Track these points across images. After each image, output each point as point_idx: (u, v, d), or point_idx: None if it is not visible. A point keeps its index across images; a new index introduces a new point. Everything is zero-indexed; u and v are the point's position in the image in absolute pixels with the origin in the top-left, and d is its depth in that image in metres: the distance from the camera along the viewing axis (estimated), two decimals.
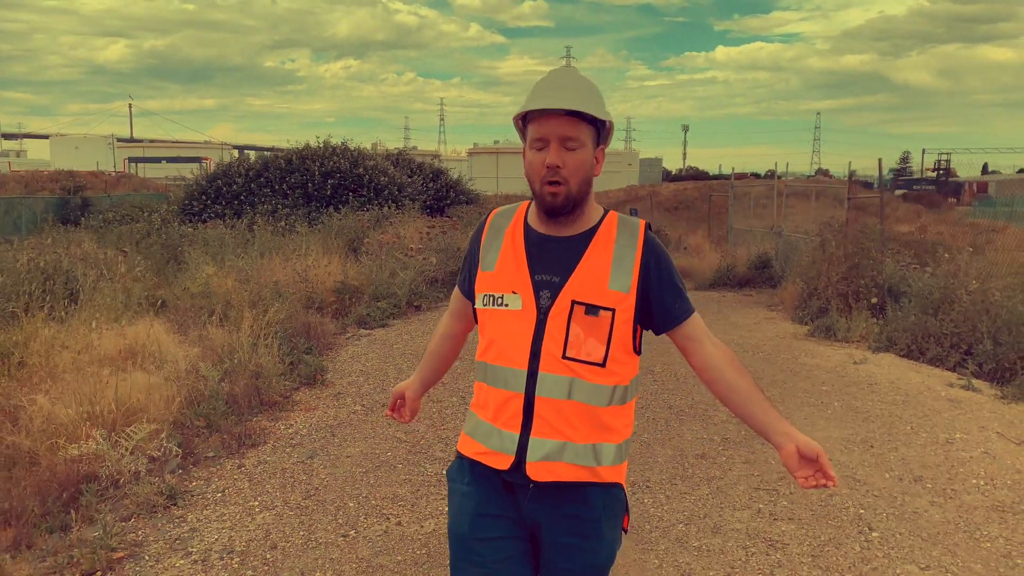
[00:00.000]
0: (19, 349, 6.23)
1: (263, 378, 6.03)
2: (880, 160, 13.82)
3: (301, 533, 3.79)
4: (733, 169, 24.72)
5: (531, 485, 1.76)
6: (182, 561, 3.53)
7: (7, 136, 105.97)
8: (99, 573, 3.44)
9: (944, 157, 72.15)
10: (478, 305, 1.86)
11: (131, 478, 4.51)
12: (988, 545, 3.70)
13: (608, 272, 1.76)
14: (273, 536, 3.76)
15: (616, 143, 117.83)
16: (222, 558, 3.55)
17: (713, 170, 76.65)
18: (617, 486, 1.85)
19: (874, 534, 3.81)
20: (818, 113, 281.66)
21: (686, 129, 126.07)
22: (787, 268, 13.09)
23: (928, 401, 6.17)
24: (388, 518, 3.97)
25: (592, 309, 1.74)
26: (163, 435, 4.90)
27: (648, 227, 1.85)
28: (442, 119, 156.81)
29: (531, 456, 1.73)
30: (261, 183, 19.03)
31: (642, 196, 40.78)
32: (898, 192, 53.97)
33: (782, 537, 3.78)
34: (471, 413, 1.91)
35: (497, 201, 26.98)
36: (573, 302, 1.74)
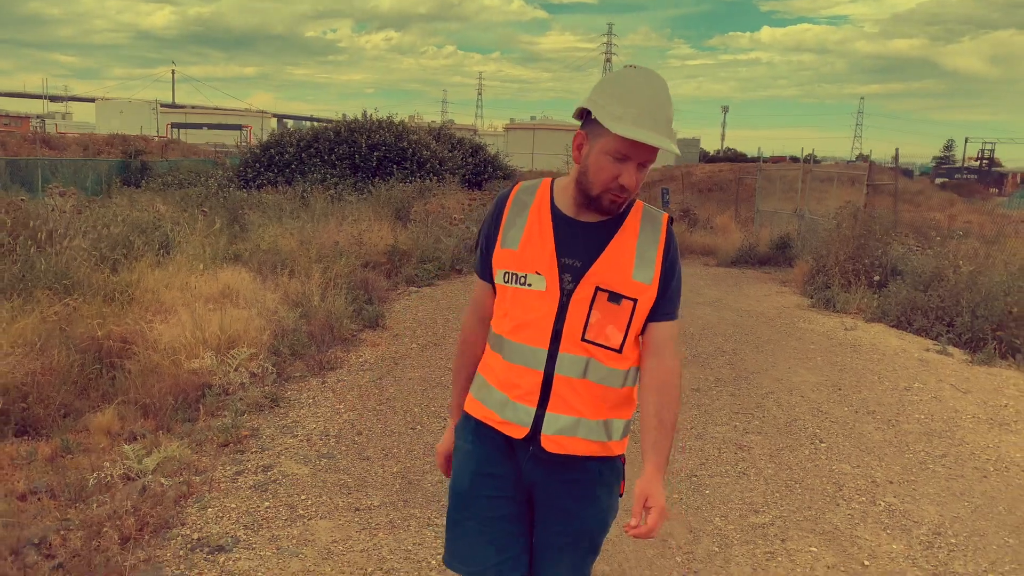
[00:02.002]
0: (131, 288, 7.46)
1: (335, 318, 7.20)
2: (897, 149, 14.66)
3: (379, 426, 4.95)
4: (760, 151, 25.34)
5: (531, 448, 1.85)
6: (291, 440, 4.71)
7: (53, 99, 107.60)
8: (232, 444, 4.62)
9: (988, 146, 71.16)
10: (497, 280, 1.90)
11: (238, 388, 5.70)
12: (910, 456, 4.75)
13: (632, 262, 1.81)
14: (357, 426, 4.93)
15: None
16: (321, 438, 4.72)
17: (752, 152, 76.32)
18: (619, 457, 1.94)
19: (823, 444, 4.88)
20: (862, 98, 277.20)
21: (725, 110, 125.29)
22: (804, 248, 13.98)
23: (901, 360, 7.17)
24: (444, 419, 5.11)
25: (615, 297, 1.79)
26: (260, 357, 6.09)
27: (671, 221, 1.90)
28: (480, 93, 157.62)
29: (546, 430, 1.81)
30: (311, 153, 20.21)
31: (676, 176, 41.39)
32: (939, 180, 53.69)
33: (749, 443, 4.86)
34: (479, 376, 1.97)
35: (532, 177, 27.93)
36: (597, 288, 1.79)
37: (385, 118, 22.04)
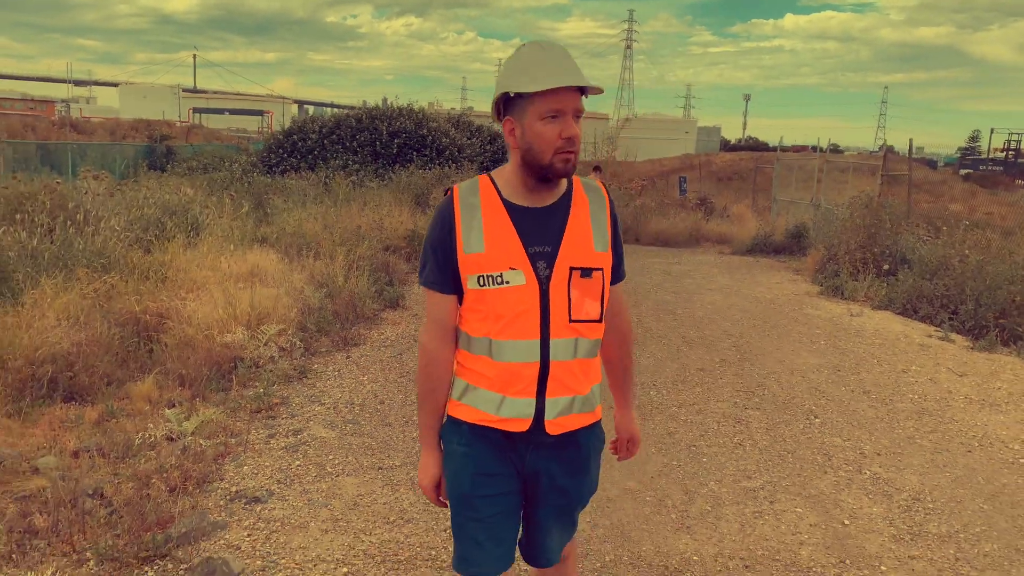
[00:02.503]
0: (164, 267, 7.84)
1: (358, 298, 7.55)
2: (911, 140, 14.78)
3: (400, 396, 5.30)
4: (782, 140, 25.40)
5: (532, 438, 1.92)
6: (319, 407, 5.06)
7: (78, 83, 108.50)
8: (264, 411, 4.98)
9: (1015, 137, 70.34)
10: (471, 286, 1.87)
11: (268, 361, 6.06)
12: (900, 432, 5.03)
13: (591, 235, 1.90)
14: (380, 396, 5.28)
15: (674, 110, 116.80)
16: (346, 406, 5.07)
17: (774, 141, 75.85)
18: (599, 423, 2.05)
19: (817, 420, 5.17)
20: (885, 87, 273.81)
21: (747, 98, 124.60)
22: (818, 238, 14.18)
23: (902, 345, 7.42)
24: None
25: (587, 272, 1.87)
26: (289, 332, 6.45)
27: (607, 188, 2.02)
28: None
29: (549, 415, 1.88)
30: (333, 140, 20.57)
31: (695, 165, 41.41)
32: (963, 171, 53.24)
33: (747, 418, 5.16)
34: (460, 380, 1.97)
35: None
36: (570, 268, 1.85)
37: (405, 105, 22.36)
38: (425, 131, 20.80)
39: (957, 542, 3.59)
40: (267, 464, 4.17)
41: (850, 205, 12.76)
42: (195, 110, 63.35)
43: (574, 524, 2.13)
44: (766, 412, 5.29)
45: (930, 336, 7.92)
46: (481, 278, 1.84)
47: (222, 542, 3.37)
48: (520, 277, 1.82)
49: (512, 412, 1.87)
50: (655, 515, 3.75)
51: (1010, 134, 70.10)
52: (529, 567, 2.17)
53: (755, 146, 71.57)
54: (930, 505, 3.96)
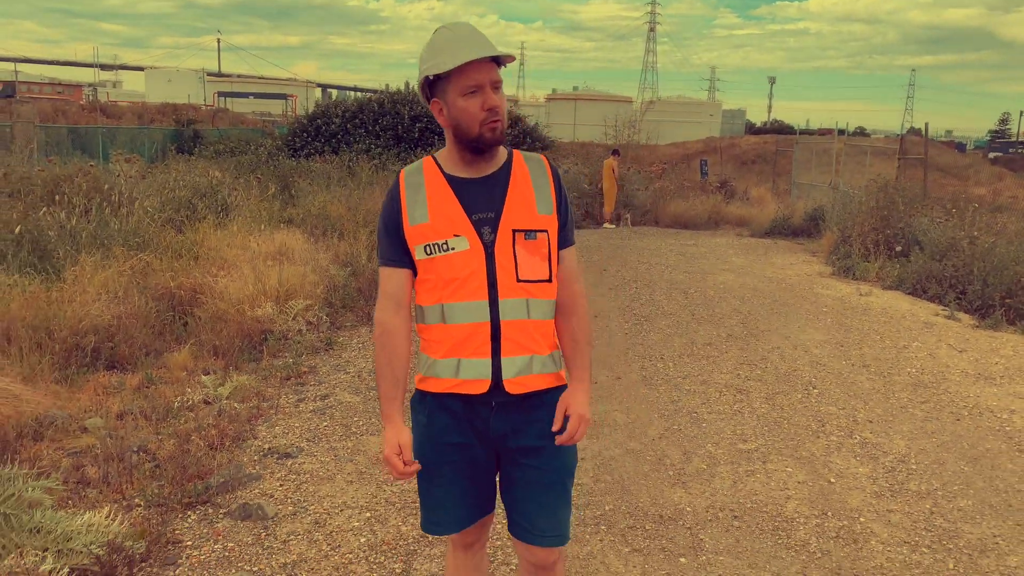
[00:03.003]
0: (196, 246, 8.21)
1: None
2: (926, 123, 14.84)
3: None
4: (808, 123, 25.37)
5: (493, 403, 1.98)
6: (344, 375, 5.40)
7: (104, 67, 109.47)
8: (293, 378, 5.32)
9: None
10: (419, 256, 1.96)
11: (295, 333, 6.40)
12: (894, 402, 5.28)
13: (534, 200, 2.00)
14: None
15: (699, 93, 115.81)
16: (370, 375, 5.40)
17: (800, 124, 75.21)
18: (564, 387, 2.08)
19: (815, 391, 5.43)
20: (913, 70, 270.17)
21: (772, 81, 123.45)
22: (834, 220, 14.31)
23: (907, 323, 7.63)
24: None
25: (530, 234, 1.96)
26: (315, 307, 6.80)
27: (550, 159, 2.11)
28: (522, 63, 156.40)
29: (506, 374, 1.95)
30: (356, 124, 20.90)
31: (719, 148, 41.29)
32: (992, 155, 52.60)
33: (748, 388, 5.43)
34: (423, 355, 2.05)
35: (573, 149, 28.32)
36: (513, 231, 1.95)
37: None
38: None
39: (935, 498, 3.85)
40: (297, 425, 4.52)
41: (866, 188, 12.89)
42: (220, 94, 63.78)
43: (566, 502, 2.09)
44: (767, 383, 5.56)
45: (936, 315, 8.11)
46: (428, 247, 1.94)
47: (257, 491, 3.71)
48: (464, 243, 1.93)
49: (470, 373, 1.95)
50: (653, 472, 4.04)
51: None
52: (517, 565, 2.22)
53: (780, 129, 70.88)
54: (913, 466, 4.22)
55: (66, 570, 2.72)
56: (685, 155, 38.00)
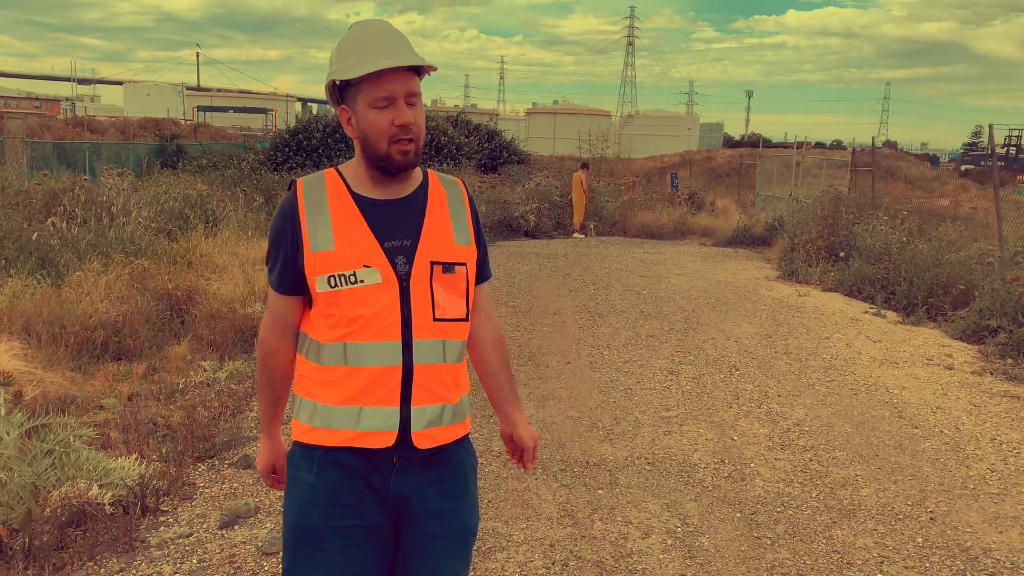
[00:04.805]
0: (189, 253, 8.95)
1: None
2: (873, 138, 15.82)
3: None
4: (786, 136, 26.42)
5: (396, 459, 1.72)
6: None
7: (82, 81, 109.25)
8: None
9: (1015, 132, 70.99)
10: (320, 289, 1.70)
11: None
12: (804, 381, 6.11)
13: (451, 228, 1.79)
14: None
15: (677, 107, 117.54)
16: None
17: (778, 137, 76.56)
18: (469, 436, 1.89)
19: (737, 372, 6.26)
20: (887, 83, 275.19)
21: (750, 95, 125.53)
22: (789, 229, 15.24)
23: (835, 319, 8.49)
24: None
25: (449, 267, 1.75)
26: None
27: (465, 183, 1.91)
28: (502, 77, 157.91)
29: (415, 427, 1.71)
30: (337, 138, 21.69)
31: (696, 161, 42.35)
32: (965, 167, 54.12)
33: (680, 370, 6.25)
34: (306, 401, 1.76)
35: (551, 162, 29.17)
36: (431, 263, 1.73)
37: None
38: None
39: (816, 451, 4.67)
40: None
41: (818, 198, 13.82)
42: (199, 108, 63.98)
43: (466, 566, 1.89)
44: (696, 366, 6.38)
45: (865, 312, 8.99)
46: (332, 278, 1.69)
47: (255, 447, 4.46)
48: (376, 275, 1.69)
49: (373, 424, 1.69)
50: (587, 432, 4.84)
51: (1010, 130, 70.74)
52: None
53: (757, 142, 72.20)
54: (806, 428, 5.04)
55: (109, 495, 3.47)
56: (661, 168, 39.00)
